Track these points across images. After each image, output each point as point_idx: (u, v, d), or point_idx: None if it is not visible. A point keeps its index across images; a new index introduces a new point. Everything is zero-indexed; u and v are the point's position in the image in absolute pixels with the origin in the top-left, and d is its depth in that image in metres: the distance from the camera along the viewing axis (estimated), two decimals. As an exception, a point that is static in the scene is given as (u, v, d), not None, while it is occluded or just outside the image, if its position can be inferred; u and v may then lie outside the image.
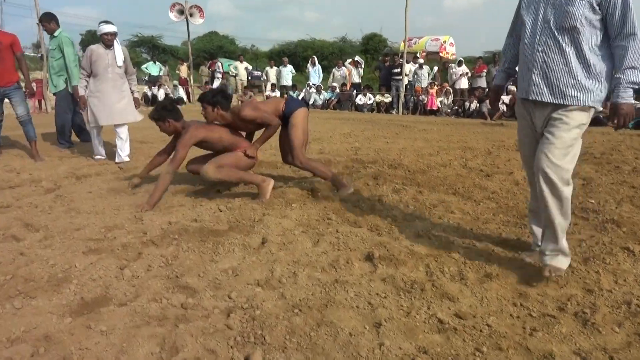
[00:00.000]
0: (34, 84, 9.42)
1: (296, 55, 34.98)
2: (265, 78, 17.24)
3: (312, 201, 3.78)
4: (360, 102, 14.62)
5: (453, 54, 15.89)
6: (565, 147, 2.21)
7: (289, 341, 1.82)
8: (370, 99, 14.67)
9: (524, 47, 2.35)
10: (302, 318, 1.99)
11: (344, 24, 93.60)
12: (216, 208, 3.49)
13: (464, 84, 14.09)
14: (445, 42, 15.49)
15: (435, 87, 13.88)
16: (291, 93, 16.05)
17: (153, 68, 17.23)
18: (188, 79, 16.74)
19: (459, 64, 13.98)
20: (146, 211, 3.40)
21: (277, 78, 16.70)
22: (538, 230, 2.59)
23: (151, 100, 15.35)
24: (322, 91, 15.62)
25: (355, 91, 15.26)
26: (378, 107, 14.55)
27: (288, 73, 16.61)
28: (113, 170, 4.99)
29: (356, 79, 15.60)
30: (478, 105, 12.95)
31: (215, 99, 3.84)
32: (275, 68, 17.10)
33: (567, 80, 2.21)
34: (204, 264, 2.54)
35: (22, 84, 5.69)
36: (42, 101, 12.80)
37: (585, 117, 2.26)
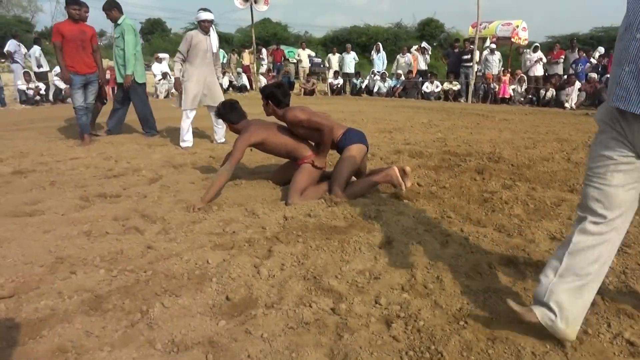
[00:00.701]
0: (107, 72, 9.76)
1: (350, 41, 34.53)
2: (327, 65, 17.04)
3: (424, 197, 3.58)
4: (427, 90, 14.18)
5: (525, 39, 15.05)
6: None
7: (466, 358, 1.66)
8: (437, 86, 14.18)
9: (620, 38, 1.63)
10: (470, 332, 1.82)
11: (393, 8, 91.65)
12: (326, 202, 3.36)
13: (539, 70, 13.34)
14: (517, 26, 14.68)
15: (508, 74, 13.22)
16: (354, 80, 15.81)
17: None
18: (251, 66, 16.78)
19: (535, 49, 13.23)
20: (199, 209, 3.21)
21: (339, 65, 16.46)
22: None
23: (216, 88, 15.52)
24: (387, 78, 15.25)
25: (421, 78, 14.81)
26: (446, 95, 14.05)
27: (351, 60, 16.29)
28: (206, 160, 4.99)
29: (422, 66, 15.11)
30: (555, 93, 12.25)
31: (270, 92, 3.62)
32: (337, 55, 16.85)
33: None
34: (337, 264, 2.41)
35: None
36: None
37: None
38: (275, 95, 3.65)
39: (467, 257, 2.53)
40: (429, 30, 37.03)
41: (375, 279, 2.27)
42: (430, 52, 15.41)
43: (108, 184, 3.91)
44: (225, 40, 43.73)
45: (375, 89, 15.22)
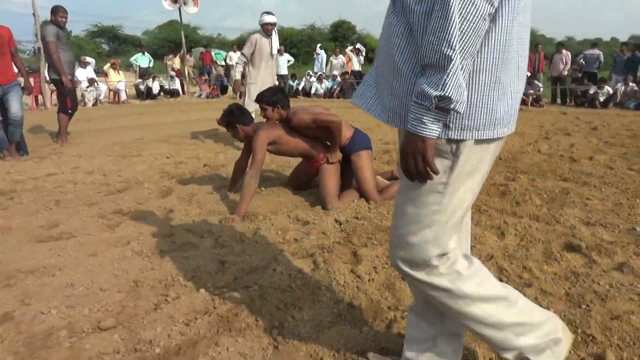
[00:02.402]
0: (31, 79, 8.92)
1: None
2: (260, 68, 16.90)
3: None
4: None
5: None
6: None
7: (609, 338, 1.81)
8: (373, 86, 14.62)
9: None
10: (596, 312, 1.97)
11: (300, 10, 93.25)
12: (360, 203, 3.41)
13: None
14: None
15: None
16: (290, 82, 15.84)
17: (142, 59, 16.57)
18: (181, 70, 16.20)
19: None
20: (236, 223, 3.11)
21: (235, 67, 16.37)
22: None
23: (145, 94, 14.81)
24: (324, 80, 15.46)
25: (355, 79, 15.20)
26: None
27: (285, 62, 16.31)
28: (201, 169, 4.80)
29: (357, 67, 15.54)
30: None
31: (275, 98, 3.61)
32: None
33: None
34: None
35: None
36: (39, 97, 12.11)
37: None
38: (281, 100, 3.63)
39: (531, 246, 2.70)
40: (341, 32, 37.80)
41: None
42: (364, 54, 15.88)
43: (120, 200, 3.64)
44: (132, 43, 41.72)
45: (313, 91, 15.37)
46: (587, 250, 2.62)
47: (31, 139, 6.56)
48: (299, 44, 34.85)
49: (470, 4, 1.03)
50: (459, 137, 1.20)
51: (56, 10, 6.09)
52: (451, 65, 1.06)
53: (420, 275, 1.30)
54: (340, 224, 3.06)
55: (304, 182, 3.89)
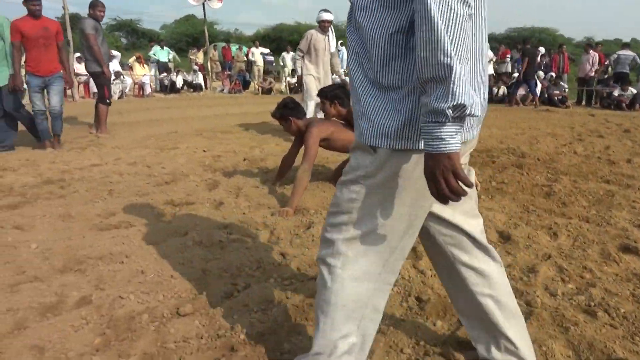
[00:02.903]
0: None
1: (281, 39, 34.51)
2: (282, 64, 16.96)
3: (496, 192, 3.76)
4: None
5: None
6: None
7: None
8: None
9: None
10: (666, 314, 1.99)
11: (313, 6, 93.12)
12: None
13: (489, 69, 14.17)
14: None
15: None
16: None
17: (161, 53, 16.70)
18: (205, 65, 16.32)
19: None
20: (290, 216, 3.15)
21: (294, 64, 16.44)
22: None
23: (168, 88, 14.96)
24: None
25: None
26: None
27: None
28: (241, 163, 4.87)
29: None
30: (506, 90, 13.09)
31: (334, 93, 3.72)
32: (291, 53, 16.82)
33: None
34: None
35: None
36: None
37: None
38: (340, 97, 3.69)
39: (587, 247, 2.72)
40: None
41: (532, 272, 2.39)
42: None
43: (169, 191, 3.72)
44: (150, 37, 42.07)
45: (335, 88, 15.36)
46: (643, 252, 2.63)
47: (68, 130, 6.69)
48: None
49: (449, 10, 1.02)
50: (411, 147, 1.19)
51: (95, 5, 6.23)
52: (453, 72, 1.02)
53: None
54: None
55: None
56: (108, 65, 6.54)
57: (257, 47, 17.18)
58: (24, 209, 3.28)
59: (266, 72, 17.33)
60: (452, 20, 1.02)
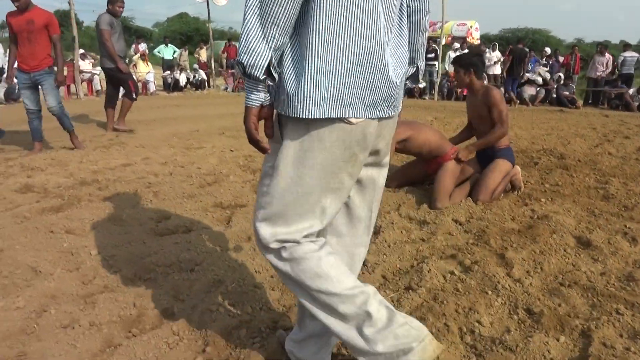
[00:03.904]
0: (65, 69, 8.71)
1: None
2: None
3: (554, 195, 3.65)
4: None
5: (478, 39, 15.91)
6: None
7: None
8: (402, 84, 14.51)
9: None
10: None
11: None
12: (469, 204, 3.32)
13: (497, 70, 14.10)
14: (471, 26, 15.48)
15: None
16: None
17: (166, 51, 16.45)
18: (208, 62, 16.09)
19: (493, 48, 13.97)
20: None
21: None
22: None
23: (172, 86, 14.72)
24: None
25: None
26: (410, 93, 14.41)
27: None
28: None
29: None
30: (517, 90, 13.04)
31: (472, 60, 3.49)
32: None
33: None
34: (568, 266, 2.39)
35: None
36: (72, 86, 12.02)
37: None
38: (478, 65, 3.53)
39: (673, 253, 2.61)
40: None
41: (633, 281, 2.27)
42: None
43: (216, 193, 3.55)
44: (142, 35, 41.65)
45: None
46: None
47: (82, 129, 6.48)
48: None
49: None
50: (282, 112, 1.21)
51: (114, 0, 6.03)
52: (243, 28, 1.10)
53: (268, 257, 1.32)
54: (461, 225, 2.97)
55: (412, 181, 3.79)
56: (124, 61, 6.35)
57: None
58: (70, 211, 3.10)
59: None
60: None
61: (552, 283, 2.23)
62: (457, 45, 14.20)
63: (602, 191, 3.77)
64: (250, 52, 1.10)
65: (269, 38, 1.10)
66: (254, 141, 1.23)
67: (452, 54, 13.95)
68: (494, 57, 13.83)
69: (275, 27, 1.09)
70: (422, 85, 14.24)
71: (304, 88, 1.15)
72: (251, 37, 1.10)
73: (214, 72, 15.88)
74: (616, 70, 12.98)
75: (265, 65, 1.12)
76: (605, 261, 2.48)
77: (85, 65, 12.66)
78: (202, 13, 41.34)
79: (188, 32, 41.39)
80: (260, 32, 1.09)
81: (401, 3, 1.28)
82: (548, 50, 15.02)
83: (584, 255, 2.57)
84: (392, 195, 3.58)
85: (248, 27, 1.10)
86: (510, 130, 7.00)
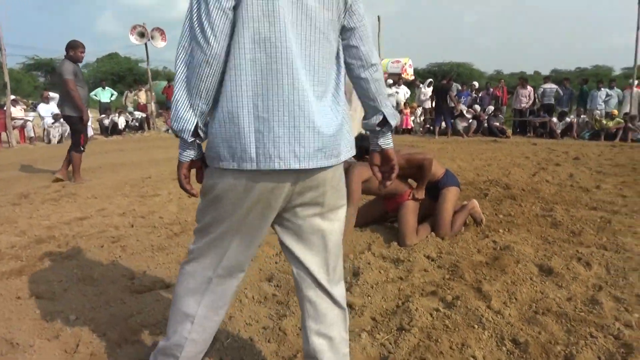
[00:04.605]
0: None
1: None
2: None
3: (511, 225, 3.90)
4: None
5: (412, 75, 16.79)
6: None
7: None
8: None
9: None
10: None
11: None
12: (435, 240, 3.49)
13: (429, 104, 14.92)
14: (405, 63, 16.33)
15: (409, 107, 14.54)
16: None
17: (103, 94, 16.07)
18: (148, 104, 15.82)
19: (429, 84, 14.80)
20: None
21: None
22: None
23: (110, 129, 14.30)
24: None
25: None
26: (352, 128, 14.83)
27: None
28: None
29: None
30: (452, 123, 13.80)
31: (361, 145, 3.58)
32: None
33: None
34: (538, 293, 2.58)
35: None
36: (3, 134, 11.37)
37: None
38: (367, 148, 3.63)
39: (624, 275, 2.86)
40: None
41: (597, 304, 2.47)
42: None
43: (186, 244, 3.49)
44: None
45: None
46: (678, 276, 2.81)
47: (25, 180, 6.18)
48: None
49: (181, 48, 1.31)
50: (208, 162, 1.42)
51: (76, 46, 5.92)
52: (173, 98, 1.35)
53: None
54: (434, 260, 3.12)
55: (373, 220, 3.91)
56: (87, 110, 6.19)
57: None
58: (34, 274, 2.94)
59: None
60: (179, 56, 1.31)
61: (527, 312, 2.39)
62: (391, 81, 14.89)
63: (550, 219, 4.08)
64: (179, 119, 1.32)
65: (195, 107, 1.31)
66: (184, 189, 1.44)
67: (388, 90, 14.63)
68: (428, 92, 14.65)
69: (199, 97, 1.30)
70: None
71: (208, 140, 1.37)
72: (180, 107, 1.31)
73: (154, 113, 15.61)
74: (537, 100, 14.11)
75: (192, 129, 1.33)
76: (568, 287, 2.69)
77: (17, 112, 12.06)
78: (134, 53, 40.53)
79: (120, 73, 40.45)
80: (187, 102, 1.30)
81: (341, 59, 1.46)
82: (476, 84, 16.10)
83: (549, 282, 2.77)
84: (361, 235, 3.68)
85: (177, 99, 1.32)
86: (453, 162, 7.41)
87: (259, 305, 2.53)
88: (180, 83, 1.31)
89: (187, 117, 1.31)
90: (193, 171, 1.45)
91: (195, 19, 1.26)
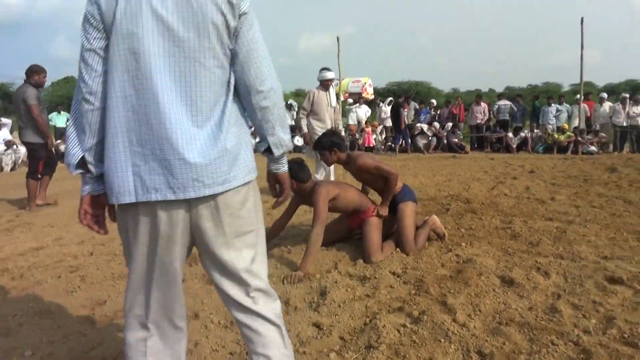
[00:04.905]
0: None
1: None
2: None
3: (472, 239, 3.99)
4: (298, 144, 14.89)
5: (372, 94, 17.14)
6: None
7: None
8: (298, 140, 15.03)
9: None
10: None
11: None
12: (401, 256, 3.54)
13: (389, 122, 15.23)
14: (365, 83, 16.66)
15: (370, 126, 14.79)
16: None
17: (59, 119, 15.65)
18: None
19: (389, 103, 15.11)
20: (300, 280, 3.09)
21: (297, 122, 16.36)
22: None
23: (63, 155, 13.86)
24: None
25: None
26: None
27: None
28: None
29: (290, 122, 15.90)
30: (411, 140, 14.10)
31: (332, 140, 3.73)
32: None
33: None
34: (501, 303, 2.64)
35: None
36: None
37: None
38: (338, 143, 3.74)
39: (580, 282, 2.97)
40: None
41: (556, 312, 2.55)
42: (296, 108, 16.32)
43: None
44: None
45: (247, 146, 15.39)
46: (629, 282, 2.94)
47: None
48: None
49: (77, 87, 1.37)
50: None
51: (39, 71, 5.82)
52: (66, 136, 1.47)
53: None
54: (399, 276, 3.15)
55: (339, 238, 3.93)
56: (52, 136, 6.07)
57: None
58: (-14, 309, 2.80)
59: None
60: (76, 103, 1.37)
61: (491, 323, 2.45)
62: (351, 100, 15.14)
63: (509, 231, 4.20)
64: (67, 153, 1.38)
65: (81, 141, 1.37)
66: (87, 226, 1.47)
67: (356, 109, 14.86)
68: (388, 111, 14.95)
69: (83, 132, 1.36)
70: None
71: (108, 178, 1.38)
72: (69, 142, 1.38)
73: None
74: (492, 116, 14.63)
75: (75, 163, 1.37)
76: (529, 297, 2.77)
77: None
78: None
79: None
80: (76, 137, 1.37)
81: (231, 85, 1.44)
82: (434, 101, 16.56)
83: (511, 293, 2.84)
84: (327, 254, 3.68)
85: (67, 134, 1.41)
86: (415, 178, 7.55)
87: (225, 330, 2.49)
88: (72, 120, 1.39)
89: (74, 151, 1.36)
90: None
91: (79, 59, 1.35)
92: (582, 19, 12.24)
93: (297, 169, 3.49)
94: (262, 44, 1.43)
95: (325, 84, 6.37)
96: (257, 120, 1.46)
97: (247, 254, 1.48)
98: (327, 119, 6.38)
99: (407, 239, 3.62)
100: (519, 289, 2.89)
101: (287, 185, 1.63)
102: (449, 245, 3.81)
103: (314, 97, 6.29)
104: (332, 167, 6.19)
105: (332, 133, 3.88)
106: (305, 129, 6.42)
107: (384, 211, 3.72)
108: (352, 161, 3.75)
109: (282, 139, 1.51)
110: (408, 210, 3.73)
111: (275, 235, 3.82)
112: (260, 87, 1.43)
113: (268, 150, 1.52)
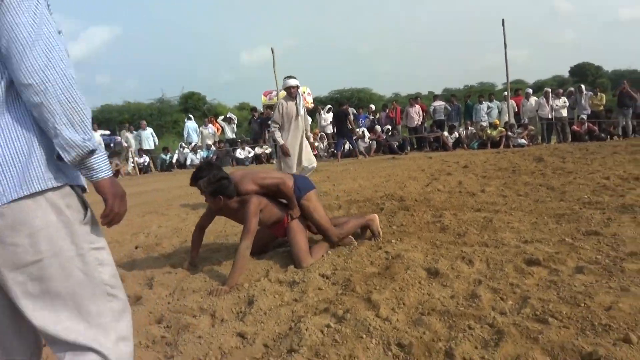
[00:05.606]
0: None
1: (110, 120, 33.04)
2: (126, 144, 16.16)
3: (405, 235, 4.05)
4: (241, 156, 14.76)
5: (311, 103, 17.27)
6: None
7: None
8: (249, 152, 14.94)
9: None
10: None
11: (140, 86, 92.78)
12: (332, 256, 3.54)
13: (330, 128, 15.40)
14: (304, 92, 16.73)
15: (312, 134, 14.86)
16: (163, 156, 15.38)
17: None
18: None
19: (328, 110, 15.27)
20: (226, 293, 2.99)
21: (139, 142, 15.89)
22: None
23: None
24: (199, 150, 15.33)
25: (230, 146, 15.37)
26: (259, 159, 14.88)
27: (149, 136, 15.96)
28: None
29: (230, 135, 15.75)
30: (350, 146, 14.29)
31: (215, 188, 3.27)
32: (134, 132, 16.23)
33: None
34: (425, 297, 2.69)
35: None
36: None
37: None
38: (224, 187, 3.29)
39: (501, 267, 3.08)
40: (192, 103, 37.46)
41: (476, 298, 2.62)
42: (236, 122, 16.21)
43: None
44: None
45: (188, 162, 15.09)
46: (546, 262, 3.08)
47: None
48: (149, 118, 33.80)
49: None
50: None
51: None
52: None
53: None
54: (328, 278, 3.14)
55: (266, 247, 3.89)
56: None
57: (95, 130, 16.10)
58: None
59: (114, 154, 16.28)
60: None
61: (414, 314, 2.48)
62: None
63: (439, 224, 4.31)
64: None
65: None
66: None
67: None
68: (329, 118, 15.11)
69: None
70: (268, 150, 14.82)
71: None
72: None
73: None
74: (429, 117, 15.10)
75: None
76: (452, 285, 2.84)
77: None
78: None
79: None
80: None
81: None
82: (373, 106, 16.89)
83: (435, 283, 2.90)
84: (259, 264, 3.62)
85: None
86: (355, 182, 7.64)
87: (147, 350, 2.39)
88: None
89: None
90: None
91: None
92: (502, 20, 12.89)
93: (227, 184, 3.30)
94: (27, 28, 1.21)
95: (290, 93, 6.16)
96: (39, 121, 1.27)
97: (40, 287, 1.29)
98: (296, 129, 6.19)
99: (325, 227, 3.64)
100: (443, 278, 2.95)
101: (111, 198, 1.38)
102: (380, 244, 3.85)
103: (283, 108, 6.13)
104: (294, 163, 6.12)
105: (214, 174, 3.28)
106: (280, 141, 6.15)
107: (296, 212, 3.67)
108: (243, 205, 3.43)
109: (69, 139, 1.26)
110: (311, 203, 3.67)
111: (199, 248, 3.72)
112: (26, 80, 1.21)
113: (59, 157, 1.30)
